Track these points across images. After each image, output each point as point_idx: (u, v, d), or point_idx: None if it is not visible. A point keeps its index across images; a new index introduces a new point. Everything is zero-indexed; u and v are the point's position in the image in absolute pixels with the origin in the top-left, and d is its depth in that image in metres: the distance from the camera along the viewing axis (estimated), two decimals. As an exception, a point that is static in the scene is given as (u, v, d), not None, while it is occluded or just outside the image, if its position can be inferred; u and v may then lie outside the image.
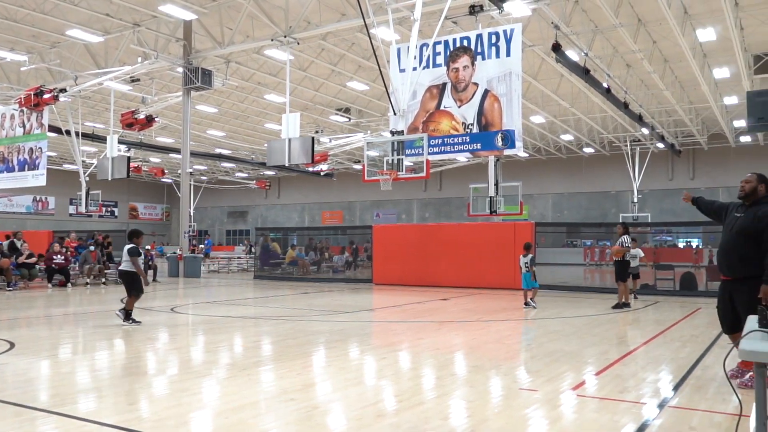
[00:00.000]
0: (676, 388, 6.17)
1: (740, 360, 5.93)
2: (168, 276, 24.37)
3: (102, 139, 27.64)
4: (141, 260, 11.04)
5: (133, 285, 10.23)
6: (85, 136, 28.18)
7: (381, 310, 13.79)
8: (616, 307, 13.58)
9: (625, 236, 13.80)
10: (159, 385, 6.27)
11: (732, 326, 5.93)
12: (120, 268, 10.51)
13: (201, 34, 22.49)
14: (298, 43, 20.30)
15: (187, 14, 19.48)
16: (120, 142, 27.02)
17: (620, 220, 37.25)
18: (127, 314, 10.19)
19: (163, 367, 7.33)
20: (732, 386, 4.57)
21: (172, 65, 23.11)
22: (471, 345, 8.96)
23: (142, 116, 25.10)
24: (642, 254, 16.02)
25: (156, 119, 25.99)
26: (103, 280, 19.56)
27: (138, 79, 25.05)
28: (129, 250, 10.10)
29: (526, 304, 13.54)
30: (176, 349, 8.54)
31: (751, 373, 5.75)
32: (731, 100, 28.65)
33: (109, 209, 52.09)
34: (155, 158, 45.86)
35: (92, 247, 20.06)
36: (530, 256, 13.49)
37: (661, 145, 34.66)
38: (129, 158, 24.41)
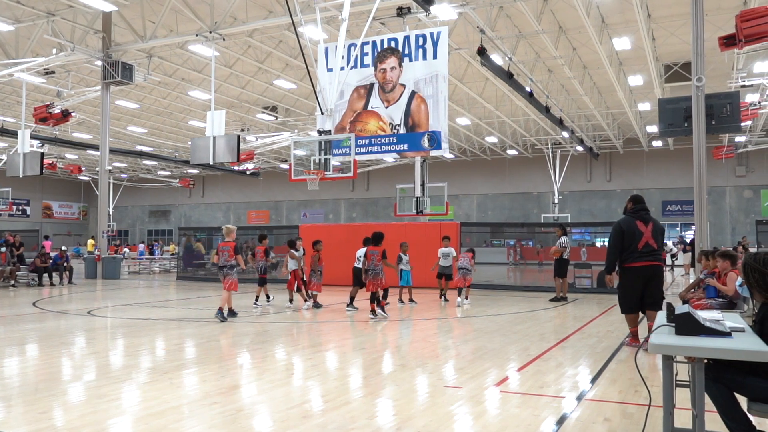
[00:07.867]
0: (592, 381, 6.44)
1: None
2: (85, 278, 23.37)
3: (12, 134, 26.24)
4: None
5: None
6: (-7, 130, 26.74)
7: (307, 310, 13.68)
8: (554, 300, 14.40)
9: (563, 237, 14.60)
10: (74, 392, 5.99)
11: None
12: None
13: (121, 27, 21.64)
14: (224, 39, 19.87)
15: (106, 5, 18.64)
16: (33, 137, 25.76)
17: (541, 220, 38.64)
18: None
19: (79, 373, 7.02)
20: (642, 379, 4.80)
21: (89, 58, 22.14)
22: (397, 344, 9.04)
23: (57, 110, 23.90)
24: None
25: (72, 114, 24.86)
26: (12, 282, 18.54)
27: (53, 72, 23.86)
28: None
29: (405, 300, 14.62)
30: (93, 353, 8.19)
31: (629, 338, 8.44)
32: (644, 106, 30.06)
33: (20, 208, 49.47)
34: (72, 155, 43.81)
35: (2, 248, 18.98)
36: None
37: (580, 149, 35.99)
38: (42, 154, 23.26)
